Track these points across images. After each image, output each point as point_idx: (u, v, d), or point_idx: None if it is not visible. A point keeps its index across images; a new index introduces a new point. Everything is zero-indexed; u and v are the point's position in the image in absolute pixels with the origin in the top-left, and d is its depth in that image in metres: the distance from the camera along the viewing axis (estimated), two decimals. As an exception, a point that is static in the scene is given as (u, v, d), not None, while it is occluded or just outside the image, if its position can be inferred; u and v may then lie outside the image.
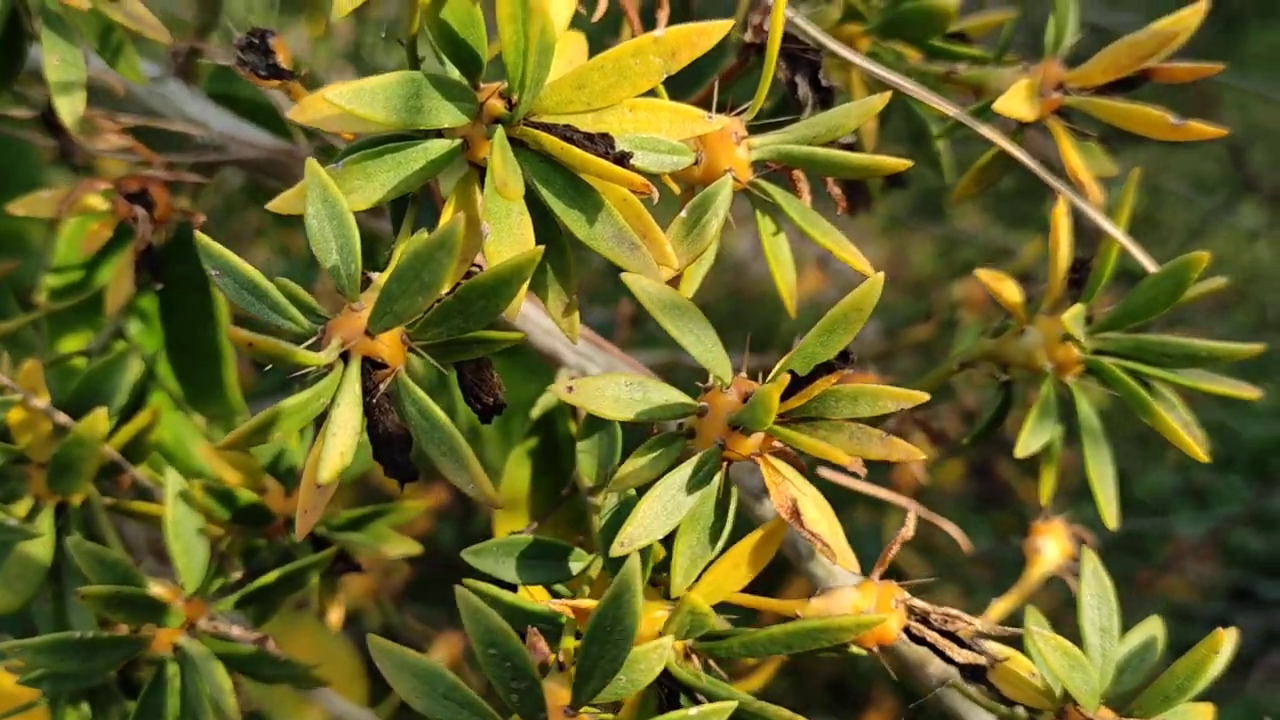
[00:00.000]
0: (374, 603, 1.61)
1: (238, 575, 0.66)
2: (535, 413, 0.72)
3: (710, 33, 0.50)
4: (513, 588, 0.54)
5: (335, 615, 0.71)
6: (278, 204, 0.49)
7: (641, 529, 0.47)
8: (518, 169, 0.47)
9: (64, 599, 0.68)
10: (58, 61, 0.60)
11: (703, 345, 0.49)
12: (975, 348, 0.63)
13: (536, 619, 0.52)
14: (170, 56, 0.82)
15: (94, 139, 0.72)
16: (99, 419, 0.62)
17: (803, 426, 0.48)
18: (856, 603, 0.53)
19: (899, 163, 0.52)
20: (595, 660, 0.45)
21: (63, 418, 0.65)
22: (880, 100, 0.53)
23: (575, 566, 0.54)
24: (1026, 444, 0.58)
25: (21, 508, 0.66)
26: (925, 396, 0.47)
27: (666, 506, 0.47)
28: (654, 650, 0.46)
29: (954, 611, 0.54)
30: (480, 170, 0.52)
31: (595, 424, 0.59)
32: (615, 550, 0.46)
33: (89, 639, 0.59)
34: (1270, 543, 2.22)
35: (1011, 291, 0.61)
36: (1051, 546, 0.76)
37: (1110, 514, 0.61)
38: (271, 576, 0.64)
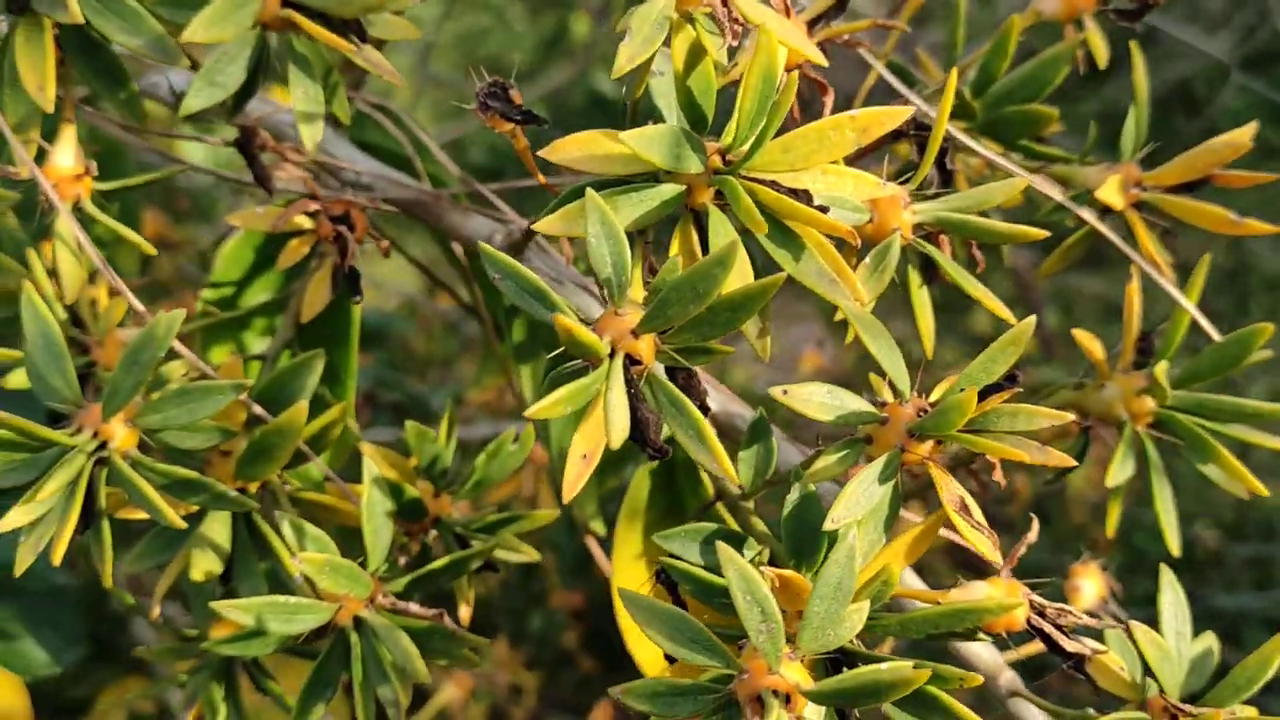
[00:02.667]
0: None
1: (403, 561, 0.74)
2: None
3: (896, 115, 0.61)
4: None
5: (466, 611, 0.79)
6: (547, 225, 0.59)
7: (846, 510, 0.56)
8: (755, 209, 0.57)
9: (230, 579, 0.75)
10: (302, 94, 0.69)
11: (892, 361, 0.59)
12: (1060, 399, 0.75)
13: (725, 594, 0.61)
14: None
15: (276, 169, 0.80)
16: (300, 410, 0.70)
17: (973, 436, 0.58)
18: (990, 593, 0.63)
19: (1037, 232, 0.64)
20: (817, 613, 0.54)
21: (258, 409, 0.72)
22: (1022, 182, 0.65)
23: (748, 553, 0.63)
24: (1115, 476, 0.70)
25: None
26: (1072, 417, 0.58)
27: (866, 493, 0.57)
28: (856, 611, 0.55)
29: (1066, 607, 0.64)
30: (694, 214, 0.63)
31: (754, 438, 0.68)
32: (828, 526, 0.56)
33: (293, 603, 0.66)
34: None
35: (1099, 349, 0.72)
36: (1089, 586, 0.87)
37: (1173, 541, 0.72)
38: (442, 562, 0.72)
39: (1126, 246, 0.71)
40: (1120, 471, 0.70)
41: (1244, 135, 0.72)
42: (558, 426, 0.97)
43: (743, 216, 0.57)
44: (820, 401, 0.58)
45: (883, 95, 0.82)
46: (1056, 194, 0.71)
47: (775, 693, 0.54)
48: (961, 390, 0.59)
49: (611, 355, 0.55)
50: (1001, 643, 0.67)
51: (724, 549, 0.53)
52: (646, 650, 0.86)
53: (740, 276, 0.59)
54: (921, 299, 0.67)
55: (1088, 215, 0.71)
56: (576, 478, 0.54)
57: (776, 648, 0.53)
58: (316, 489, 0.76)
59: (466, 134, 2.48)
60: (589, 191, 0.56)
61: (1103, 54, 0.75)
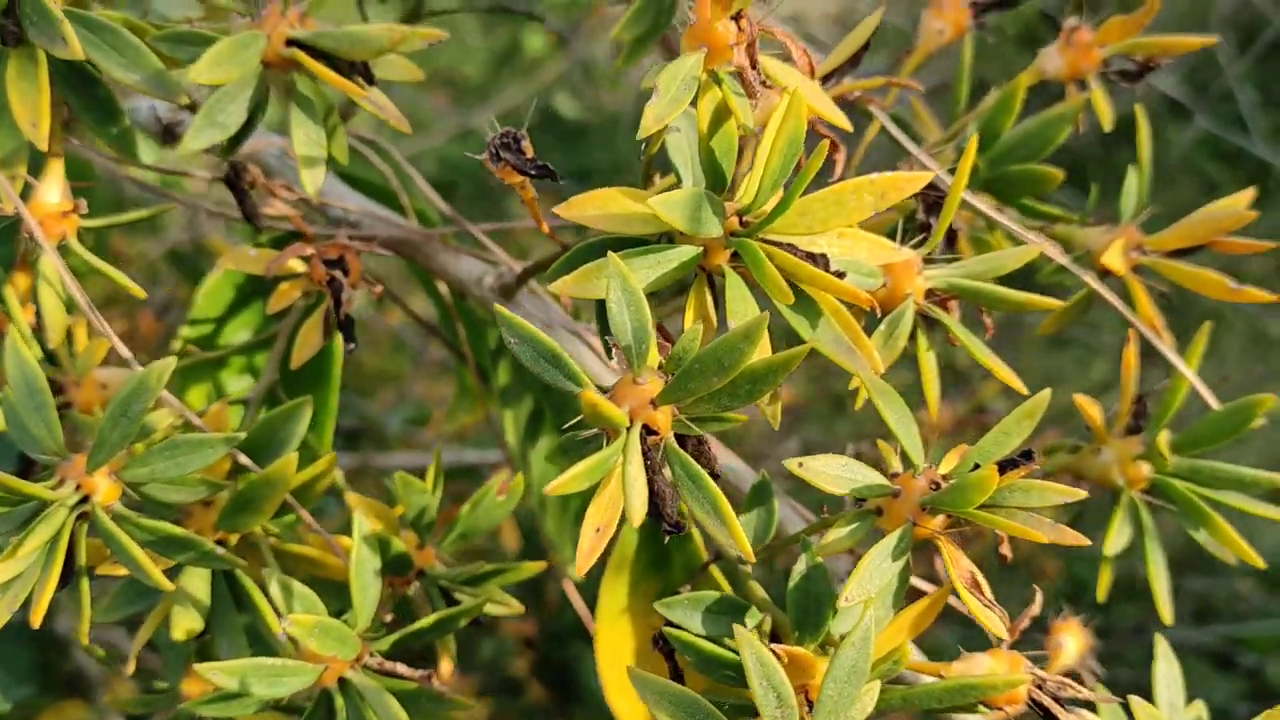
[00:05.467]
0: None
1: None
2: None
3: (915, 181, 0.61)
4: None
5: (448, 667, 0.77)
6: (562, 286, 0.57)
7: (859, 588, 0.55)
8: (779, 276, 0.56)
9: (208, 632, 0.72)
10: (304, 137, 0.67)
11: (906, 431, 0.58)
12: (1056, 462, 0.75)
13: (727, 667, 0.60)
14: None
15: (264, 204, 0.78)
16: (290, 462, 0.68)
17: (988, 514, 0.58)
18: (993, 667, 0.63)
19: (1050, 301, 0.64)
20: (831, 696, 0.53)
21: (244, 459, 0.70)
22: (1036, 250, 0.64)
23: (749, 622, 0.62)
24: (1113, 543, 0.70)
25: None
26: (1085, 494, 0.58)
27: (879, 570, 0.56)
28: (867, 692, 0.54)
29: (1067, 680, 0.64)
30: (709, 275, 0.62)
31: (756, 501, 0.67)
32: (842, 605, 0.55)
33: (278, 666, 0.64)
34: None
35: (1098, 415, 0.72)
36: (1071, 642, 0.87)
37: (1165, 610, 0.72)
38: (429, 620, 0.70)
39: (1126, 311, 0.71)
40: (1118, 539, 0.70)
41: (1243, 201, 0.72)
42: (539, 466, 0.96)
43: (767, 286, 0.56)
44: (835, 474, 0.57)
45: (882, 147, 0.82)
46: (1060, 257, 0.71)
47: (789, 777, 0.53)
48: (976, 466, 0.58)
49: (628, 426, 0.54)
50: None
51: (741, 634, 0.52)
52: (625, 702, 0.84)
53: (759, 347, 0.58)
54: (929, 363, 0.66)
55: (1091, 280, 0.71)
56: (591, 551, 0.53)
57: (793, 733, 0.52)
58: (288, 535, 0.74)
59: (421, 150, 2.47)
60: (611, 256, 0.54)
61: (1107, 115, 0.75)
